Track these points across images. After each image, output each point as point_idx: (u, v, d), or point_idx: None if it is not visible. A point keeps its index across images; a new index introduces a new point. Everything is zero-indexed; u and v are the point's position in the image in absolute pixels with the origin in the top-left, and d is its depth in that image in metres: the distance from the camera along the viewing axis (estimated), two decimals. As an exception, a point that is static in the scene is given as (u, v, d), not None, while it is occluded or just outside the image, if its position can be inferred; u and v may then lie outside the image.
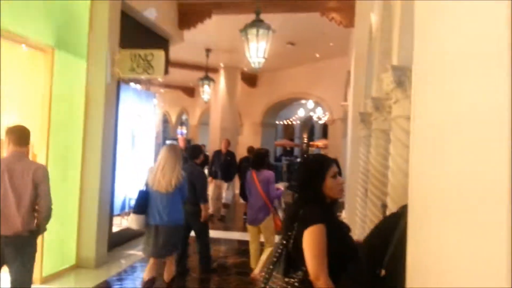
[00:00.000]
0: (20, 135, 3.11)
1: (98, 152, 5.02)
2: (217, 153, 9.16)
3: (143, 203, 4.03)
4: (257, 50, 6.08)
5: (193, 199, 4.80)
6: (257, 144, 13.66)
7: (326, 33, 9.37)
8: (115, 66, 5.27)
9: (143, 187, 4.13)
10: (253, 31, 6.01)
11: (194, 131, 18.24)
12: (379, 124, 4.54)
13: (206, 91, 11.06)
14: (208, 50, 10.96)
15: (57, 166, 4.60)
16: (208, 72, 11.44)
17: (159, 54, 5.32)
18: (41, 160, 4.45)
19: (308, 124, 29.91)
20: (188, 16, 7.36)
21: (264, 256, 4.86)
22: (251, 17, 6.20)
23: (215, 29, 9.33)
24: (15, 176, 2.98)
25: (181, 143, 8.62)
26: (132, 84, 6.70)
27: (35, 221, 3.06)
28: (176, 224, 4.10)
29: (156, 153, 5.09)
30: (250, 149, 9.24)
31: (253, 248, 5.17)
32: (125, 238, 6.25)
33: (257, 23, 6.00)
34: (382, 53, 4.45)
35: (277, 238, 4.71)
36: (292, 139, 29.88)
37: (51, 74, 4.48)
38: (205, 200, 5.05)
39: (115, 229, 6.08)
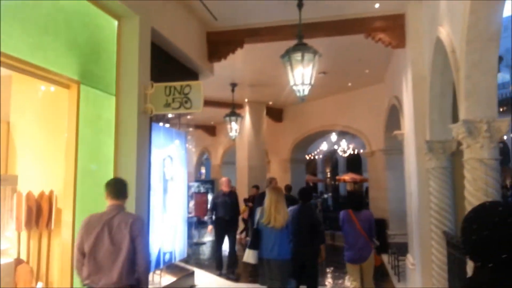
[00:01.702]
0: (116, 188, 3.22)
1: (131, 204, 4.21)
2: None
3: (258, 240, 4.68)
4: (302, 76, 5.37)
5: (309, 240, 5.18)
6: (287, 182, 12.85)
7: (362, 60, 8.70)
8: (148, 102, 4.58)
9: (255, 226, 4.79)
10: (297, 56, 5.32)
11: (216, 170, 17.48)
12: (475, 152, 3.70)
13: (233, 128, 10.35)
14: (233, 85, 10.36)
15: (85, 222, 3.82)
16: (234, 108, 10.80)
17: (197, 86, 4.62)
18: (66, 216, 3.68)
19: (331, 158, 29.01)
20: (218, 46, 6.75)
21: None
22: (281, 45, 5.56)
23: (240, 62, 8.76)
24: (114, 229, 3.04)
25: (227, 186, 7.87)
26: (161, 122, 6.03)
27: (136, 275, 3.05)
28: (285, 258, 4.67)
29: (189, 197, 5.28)
30: (288, 187, 8.69)
31: (354, 286, 5.31)
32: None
33: (301, 47, 5.33)
34: (469, 67, 3.67)
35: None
36: (314, 174, 28.90)
37: (76, 113, 3.78)
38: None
39: (150, 290, 5.21)
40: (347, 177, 23.29)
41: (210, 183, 17.14)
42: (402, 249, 8.05)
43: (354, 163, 27.96)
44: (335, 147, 23.12)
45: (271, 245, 4.59)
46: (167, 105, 4.61)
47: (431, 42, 5.13)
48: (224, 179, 8.04)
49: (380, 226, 8.47)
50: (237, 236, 10.03)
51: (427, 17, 5.41)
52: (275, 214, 4.61)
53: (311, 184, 27.85)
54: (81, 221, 3.16)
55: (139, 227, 3.08)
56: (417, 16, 5.67)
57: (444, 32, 4.33)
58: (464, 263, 4.41)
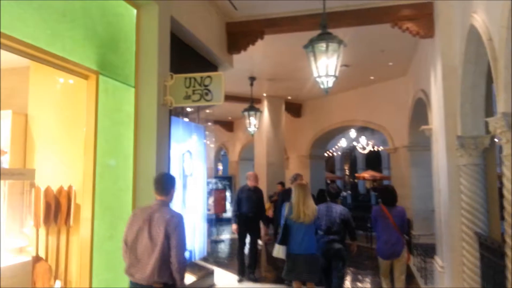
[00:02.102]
0: (160, 184, 3.26)
1: (150, 199, 4.08)
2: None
3: (287, 235, 4.76)
4: (327, 68, 5.14)
5: (340, 237, 5.20)
6: (307, 179, 12.63)
7: (385, 51, 8.41)
8: (167, 94, 4.43)
9: (283, 221, 4.81)
10: (321, 46, 5.08)
11: (234, 167, 17.35)
12: (518, 147, 3.43)
13: (252, 123, 10.16)
14: (252, 78, 10.17)
15: (104, 220, 3.68)
16: (252, 102, 10.60)
17: (218, 77, 4.44)
18: (85, 213, 3.56)
19: (350, 155, 28.60)
20: (238, 37, 6.56)
21: None
22: (301, 37, 5.33)
23: (259, 55, 8.57)
24: (153, 225, 3.07)
25: (254, 181, 7.43)
26: (180, 115, 5.88)
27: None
28: (313, 252, 4.76)
29: (208, 194, 5.00)
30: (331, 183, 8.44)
31: (385, 282, 5.38)
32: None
33: (326, 36, 5.09)
34: (509, 56, 3.39)
35: None
36: (332, 171, 28.55)
37: (95, 105, 3.65)
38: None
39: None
40: (367, 174, 22.89)
41: (228, 179, 17.01)
42: (428, 251, 7.75)
43: (374, 160, 27.52)
44: (354, 143, 22.74)
45: (299, 240, 4.70)
46: (187, 97, 4.45)
47: (463, 30, 4.83)
48: (251, 173, 7.67)
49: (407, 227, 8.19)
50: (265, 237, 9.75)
51: (458, 5, 5.10)
52: (303, 209, 4.71)
53: (328, 182, 27.60)
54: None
55: (175, 224, 3.07)
56: (447, 3, 5.37)
57: (479, 19, 4.05)
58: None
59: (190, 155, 5.90)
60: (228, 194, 15.43)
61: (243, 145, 16.53)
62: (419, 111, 8.22)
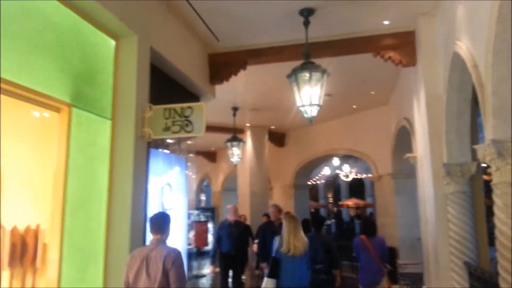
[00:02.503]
0: (155, 224, 3.36)
1: (125, 239, 3.80)
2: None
3: (277, 269, 4.68)
4: (310, 97, 5.06)
5: (326, 268, 5.23)
6: (291, 209, 12.42)
7: (367, 80, 8.44)
8: (145, 126, 4.23)
9: (274, 254, 4.77)
10: (304, 75, 5.03)
11: (217, 197, 17.01)
12: (506, 175, 3.33)
13: (235, 153, 9.99)
14: (235, 109, 10.07)
15: (73, 261, 3.41)
16: (235, 132, 10.47)
17: (199, 108, 4.29)
18: (53, 254, 3.28)
19: (334, 183, 28.53)
20: (220, 68, 6.47)
21: None
22: (285, 68, 5.28)
23: (241, 85, 8.50)
24: (151, 263, 3.15)
25: (234, 214, 7.04)
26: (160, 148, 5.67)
27: None
28: (305, 285, 4.73)
29: (189, 226, 4.95)
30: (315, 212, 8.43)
31: None
32: None
33: (309, 65, 5.05)
34: (496, 82, 3.35)
35: None
36: (316, 200, 28.37)
37: (67, 139, 3.43)
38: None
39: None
40: (351, 202, 22.81)
41: (211, 210, 16.60)
42: (416, 280, 7.55)
43: (357, 188, 27.50)
44: (337, 171, 22.73)
45: (291, 274, 4.67)
46: (167, 128, 4.27)
47: (446, 58, 4.85)
48: (230, 206, 7.24)
49: (389, 255, 7.99)
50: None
51: (440, 32, 5.15)
52: (294, 242, 4.69)
53: (312, 210, 27.36)
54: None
55: (172, 260, 3.14)
56: (429, 32, 5.41)
57: (463, 47, 4.05)
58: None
59: (170, 188, 5.65)
60: (210, 225, 15.01)
61: (226, 175, 16.28)
62: (403, 139, 8.20)
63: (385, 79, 8.20)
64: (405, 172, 9.36)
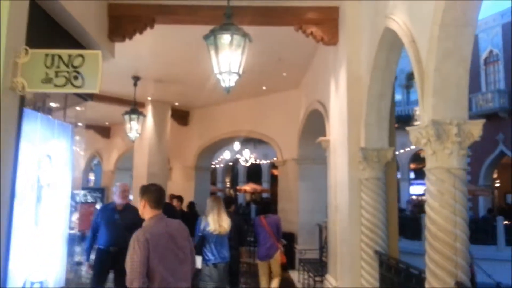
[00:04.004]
0: (159, 196, 3.23)
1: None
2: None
3: (202, 246, 4.99)
4: (229, 64, 4.43)
5: (236, 244, 5.66)
6: (191, 191, 11.78)
7: (282, 60, 8.08)
8: (18, 75, 3.19)
9: (200, 233, 5.04)
10: (224, 37, 4.38)
11: (109, 177, 15.53)
12: (443, 160, 3.11)
13: (133, 128, 8.94)
14: (136, 78, 8.99)
15: None
16: (135, 105, 9.39)
17: (93, 56, 3.37)
18: None
19: (233, 168, 28.38)
20: (122, 22, 5.46)
21: (274, 285, 6.27)
22: (197, 33, 4.66)
23: (145, 51, 7.54)
24: (178, 239, 3.15)
25: (121, 197, 5.43)
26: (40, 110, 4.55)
27: None
28: (229, 261, 5.16)
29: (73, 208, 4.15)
30: (192, 204, 8.97)
31: (264, 280, 6.32)
32: None
33: (230, 26, 4.40)
34: (441, 57, 3.08)
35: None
36: (214, 184, 28.06)
37: None
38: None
39: None
40: (248, 187, 22.89)
41: (100, 191, 15.20)
42: (318, 269, 7.48)
43: (254, 173, 27.81)
44: (238, 156, 22.58)
45: (217, 250, 5.02)
46: (48, 80, 3.30)
47: (372, 36, 4.59)
48: (119, 184, 5.61)
49: (288, 241, 7.87)
50: None
51: (367, 9, 4.88)
52: (220, 222, 5.01)
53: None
54: (136, 241, 2.94)
55: (188, 232, 3.34)
56: (353, 8, 5.14)
57: (399, 21, 3.76)
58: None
59: (50, 161, 4.58)
60: (98, 207, 13.65)
61: (121, 153, 14.92)
62: (313, 123, 8.04)
63: (300, 59, 7.92)
64: (310, 157, 9.31)
